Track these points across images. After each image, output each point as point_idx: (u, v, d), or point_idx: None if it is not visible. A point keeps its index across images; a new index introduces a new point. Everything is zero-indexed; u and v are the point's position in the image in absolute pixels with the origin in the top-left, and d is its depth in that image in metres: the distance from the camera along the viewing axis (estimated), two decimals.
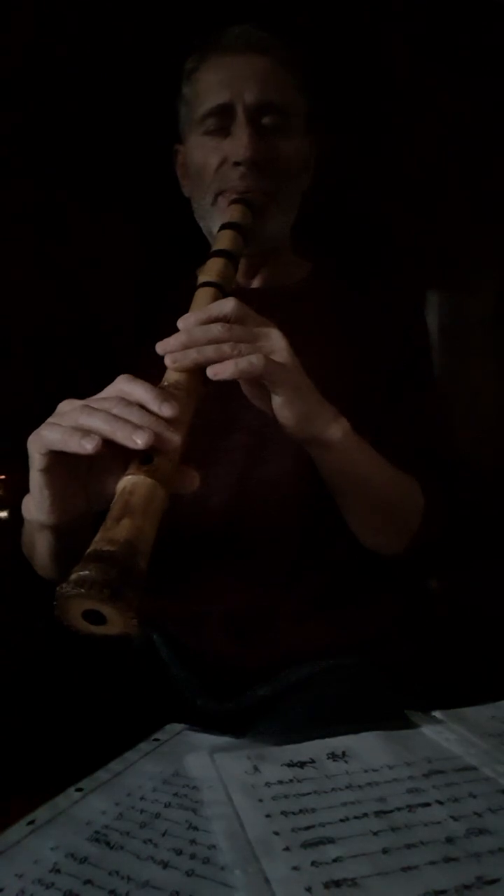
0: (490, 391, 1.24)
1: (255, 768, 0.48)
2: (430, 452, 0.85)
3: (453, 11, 1.17)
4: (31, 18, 1.09)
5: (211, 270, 0.72)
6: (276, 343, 0.63)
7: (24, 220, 1.14)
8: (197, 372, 0.60)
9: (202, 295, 0.68)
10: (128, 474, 0.52)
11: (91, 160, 1.16)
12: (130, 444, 0.51)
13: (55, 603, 0.44)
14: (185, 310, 0.66)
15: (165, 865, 0.40)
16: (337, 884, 0.37)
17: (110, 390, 0.56)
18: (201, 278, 0.71)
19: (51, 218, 1.15)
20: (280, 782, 0.46)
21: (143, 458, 0.52)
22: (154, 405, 0.54)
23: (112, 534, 0.47)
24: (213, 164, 0.85)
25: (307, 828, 0.41)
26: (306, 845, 0.40)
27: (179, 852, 0.41)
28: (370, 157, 1.22)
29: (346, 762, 0.48)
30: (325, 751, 0.50)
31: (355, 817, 0.42)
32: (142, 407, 0.54)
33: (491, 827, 0.41)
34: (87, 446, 0.52)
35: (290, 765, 0.48)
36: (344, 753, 0.50)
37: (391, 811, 0.43)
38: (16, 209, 1.13)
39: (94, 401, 0.56)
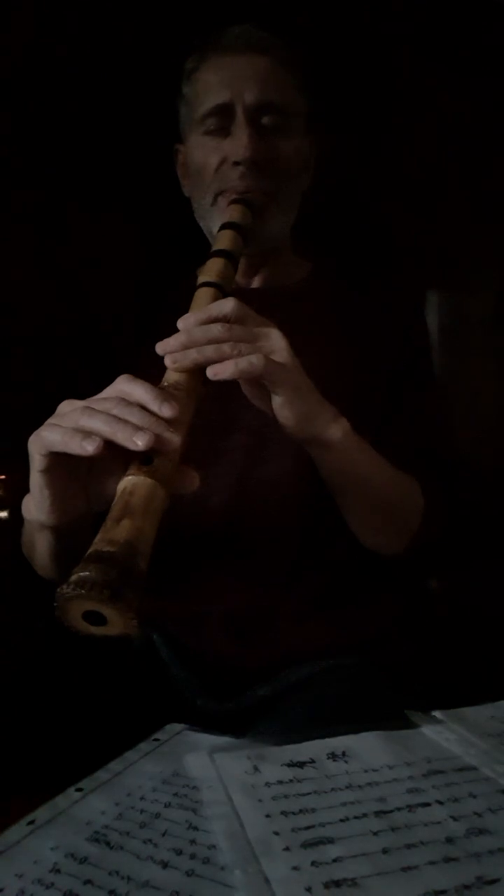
0: (490, 391, 1.24)
1: (255, 768, 0.48)
2: (430, 452, 0.85)
3: (453, 11, 1.17)
4: (31, 18, 1.09)
5: (211, 270, 0.72)
6: (276, 343, 0.63)
7: (24, 220, 1.14)
8: (197, 372, 0.60)
9: (202, 295, 0.68)
10: (128, 475, 0.52)
11: (91, 160, 1.16)
12: (131, 446, 0.51)
13: (55, 604, 0.44)
14: (185, 310, 0.66)
15: (165, 865, 0.40)
16: (337, 884, 0.37)
17: (110, 391, 0.56)
18: (201, 278, 0.71)
19: (51, 218, 1.15)
20: (280, 782, 0.46)
21: (143, 459, 0.52)
22: (154, 405, 0.54)
23: (112, 534, 0.47)
24: (212, 163, 0.85)
25: (307, 828, 0.41)
26: (306, 845, 0.40)
27: (179, 852, 0.41)
28: (370, 157, 1.22)
29: (346, 762, 0.48)
30: (325, 751, 0.50)
31: (355, 817, 0.42)
32: (142, 407, 0.54)
33: (491, 827, 0.41)
34: (88, 448, 0.52)
35: (290, 765, 0.48)
36: (344, 753, 0.50)
37: (391, 811, 0.43)
38: (16, 209, 1.13)
39: (94, 401, 0.56)
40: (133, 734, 0.56)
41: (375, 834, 0.41)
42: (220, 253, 0.74)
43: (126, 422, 0.52)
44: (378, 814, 0.42)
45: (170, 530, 0.53)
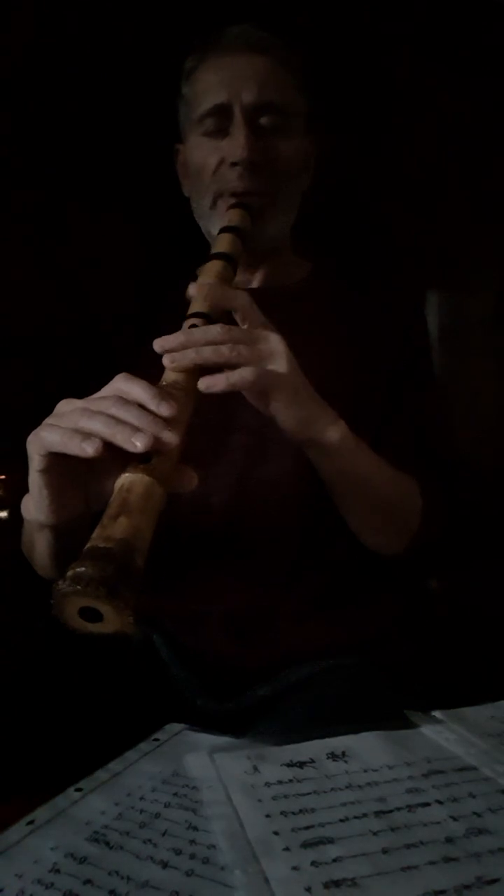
0: (490, 391, 1.24)
1: (255, 768, 0.48)
2: (430, 452, 0.85)
3: (453, 11, 1.17)
4: (31, 18, 1.09)
5: (210, 272, 0.72)
6: (274, 347, 0.63)
7: (24, 220, 1.14)
8: (195, 371, 0.60)
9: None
10: (126, 472, 0.52)
11: (91, 160, 1.16)
12: (130, 448, 0.51)
13: (52, 600, 0.44)
14: (185, 310, 0.66)
15: (165, 865, 0.40)
16: (337, 884, 0.36)
17: (108, 389, 0.56)
18: (201, 279, 0.71)
19: (51, 218, 1.15)
20: (280, 782, 0.46)
21: (141, 457, 0.52)
22: (152, 404, 0.54)
23: (109, 531, 0.47)
24: (211, 164, 0.84)
25: (307, 828, 0.41)
26: (306, 845, 0.40)
27: (179, 852, 0.41)
28: (370, 157, 1.22)
29: (345, 762, 0.48)
30: (325, 751, 0.50)
31: (355, 817, 0.42)
32: (140, 406, 0.54)
33: (491, 827, 0.41)
34: (88, 449, 0.52)
35: (290, 765, 0.48)
36: (344, 753, 0.49)
37: (391, 811, 0.43)
38: (16, 209, 1.13)
39: (92, 400, 0.56)
40: (133, 734, 0.56)
41: (375, 834, 0.41)
42: (219, 255, 0.74)
43: (125, 423, 0.52)
44: (378, 814, 0.42)
45: (170, 530, 0.53)
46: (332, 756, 0.49)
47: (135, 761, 0.52)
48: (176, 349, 0.60)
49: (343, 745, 0.50)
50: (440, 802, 0.44)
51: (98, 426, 0.52)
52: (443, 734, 0.52)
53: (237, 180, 0.83)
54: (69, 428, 0.53)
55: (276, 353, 0.63)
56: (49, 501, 0.57)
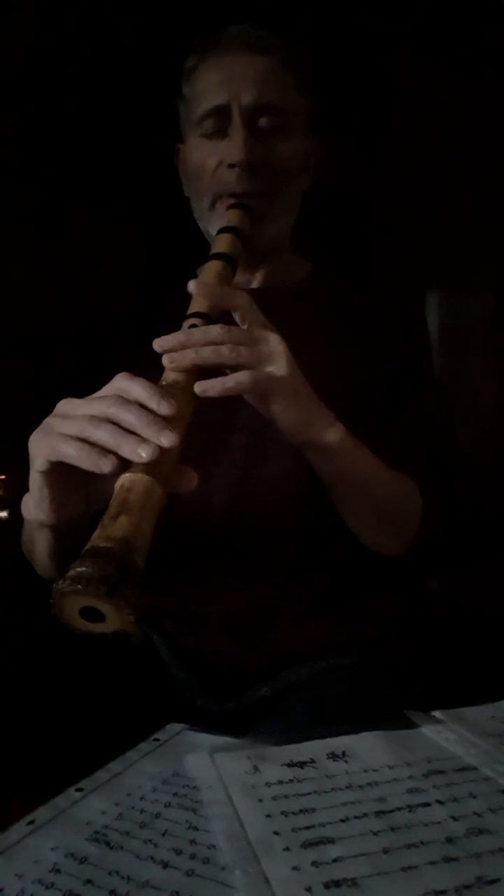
0: (490, 391, 1.24)
1: (255, 768, 0.48)
2: (430, 452, 0.85)
3: (453, 11, 1.17)
4: (31, 18, 1.09)
5: (210, 273, 0.72)
6: (274, 347, 0.63)
7: (24, 220, 1.14)
8: (195, 371, 0.60)
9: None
10: (126, 472, 0.52)
11: (91, 160, 1.16)
12: (136, 458, 0.51)
13: (52, 600, 0.44)
14: (185, 310, 0.66)
15: (165, 865, 0.40)
16: (337, 884, 0.36)
17: (109, 388, 0.56)
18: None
19: (51, 218, 1.15)
20: (280, 782, 0.46)
21: None
22: (152, 403, 0.54)
23: (109, 531, 0.47)
24: (210, 165, 0.84)
25: (307, 828, 0.41)
26: (306, 845, 0.40)
27: (179, 852, 0.41)
28: (370, 157, 1.22)
29: (346, 762, 0.48)
30: (325, 751, 0.50)
31: (355, 817, 0.42)
32: (140, 405, 0.54)
33: (491, 827, 0.41)
34: (105, 468, 0.52)
35: (290, 765, 0.48)
36: (344, 753, 0.49)
37: (391, 811, 0.43)
38: (16, 209, 1.13)
39: (92, 399, 0.56)
40: (133, 734, 0.56)
41: (375, 834, 0.40)
42: (218, 256, 0.74)
43: (130, 434, 0.52)
44: (378, 814, 0.42)
45: (170, 530, 0.53)
46: (333, 756, 0.49)
47: (135, 761, 0.52)
48: (175, 349, 0.60)
49: (343, 745, 0.50)
50: (440, 802, 0.43)
51: (104, 437, 0.52)
52: (443, 734, 0.52)
53: (235, 182, 0.83)
54: (79, 438, 0.53)
55: (276, 354, 0.63)
56: (49, 501, 0.57)
